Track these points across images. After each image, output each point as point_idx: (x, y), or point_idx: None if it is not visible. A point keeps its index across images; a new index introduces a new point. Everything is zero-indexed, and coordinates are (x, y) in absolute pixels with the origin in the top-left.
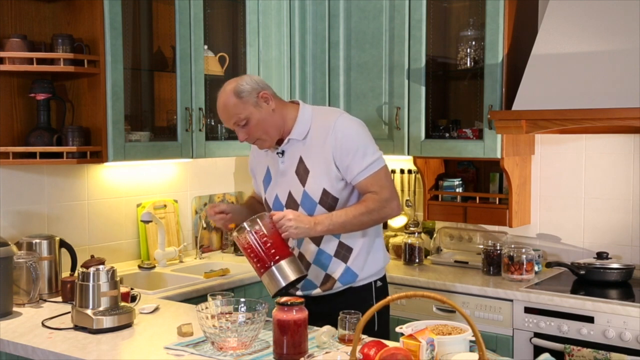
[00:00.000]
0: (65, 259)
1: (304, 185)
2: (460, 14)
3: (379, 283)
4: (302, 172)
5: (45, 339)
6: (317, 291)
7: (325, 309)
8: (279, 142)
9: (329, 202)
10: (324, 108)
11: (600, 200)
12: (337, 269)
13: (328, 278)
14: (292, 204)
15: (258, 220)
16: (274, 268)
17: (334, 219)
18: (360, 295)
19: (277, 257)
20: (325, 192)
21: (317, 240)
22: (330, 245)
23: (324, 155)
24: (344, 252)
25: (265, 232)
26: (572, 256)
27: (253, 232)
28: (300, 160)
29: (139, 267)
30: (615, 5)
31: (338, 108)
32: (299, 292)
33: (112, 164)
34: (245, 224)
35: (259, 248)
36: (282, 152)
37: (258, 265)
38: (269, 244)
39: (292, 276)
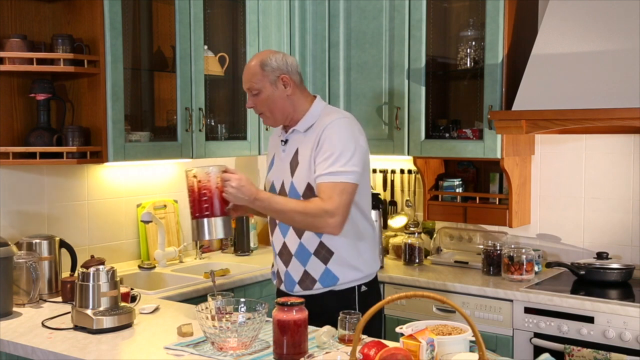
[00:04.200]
0: (65, 259)
1: (292, 177)
2: (460, 14)
3: (363, 288)
4: (294, 164)
5: (45, 339)
6: (297, 289)
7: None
8: (287, 129)
9: (311, 197)
10: (334, 109)
11: (600, 200)
12: (316, 268)
13: (307, 276)
14: (282, 193)
15: (209, 170)
16: (205, 220)
17: (272, 203)
18: (342, 299)
19: (206, 213)
20: (309, 187)
21: (299, 233)
22: (310, 243)
23: (311, 151)
24: (324, 252)
25: (210, 185)
26: (572, 256)
27: (197, 181)
28: (296, 152)
29: (139, 267)
30: (615, 5)
31: (348, 112)
32: (281, 287)
33: (112, 164)
34: (196, 169)
35: (196, 196)
36: (286, 141)
37: (192, 210)
38: (205, 197)
39: (218, 234)
